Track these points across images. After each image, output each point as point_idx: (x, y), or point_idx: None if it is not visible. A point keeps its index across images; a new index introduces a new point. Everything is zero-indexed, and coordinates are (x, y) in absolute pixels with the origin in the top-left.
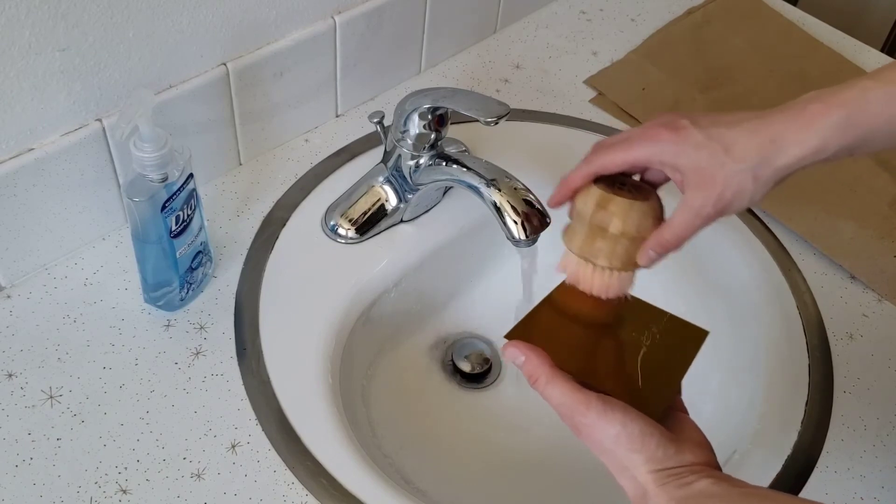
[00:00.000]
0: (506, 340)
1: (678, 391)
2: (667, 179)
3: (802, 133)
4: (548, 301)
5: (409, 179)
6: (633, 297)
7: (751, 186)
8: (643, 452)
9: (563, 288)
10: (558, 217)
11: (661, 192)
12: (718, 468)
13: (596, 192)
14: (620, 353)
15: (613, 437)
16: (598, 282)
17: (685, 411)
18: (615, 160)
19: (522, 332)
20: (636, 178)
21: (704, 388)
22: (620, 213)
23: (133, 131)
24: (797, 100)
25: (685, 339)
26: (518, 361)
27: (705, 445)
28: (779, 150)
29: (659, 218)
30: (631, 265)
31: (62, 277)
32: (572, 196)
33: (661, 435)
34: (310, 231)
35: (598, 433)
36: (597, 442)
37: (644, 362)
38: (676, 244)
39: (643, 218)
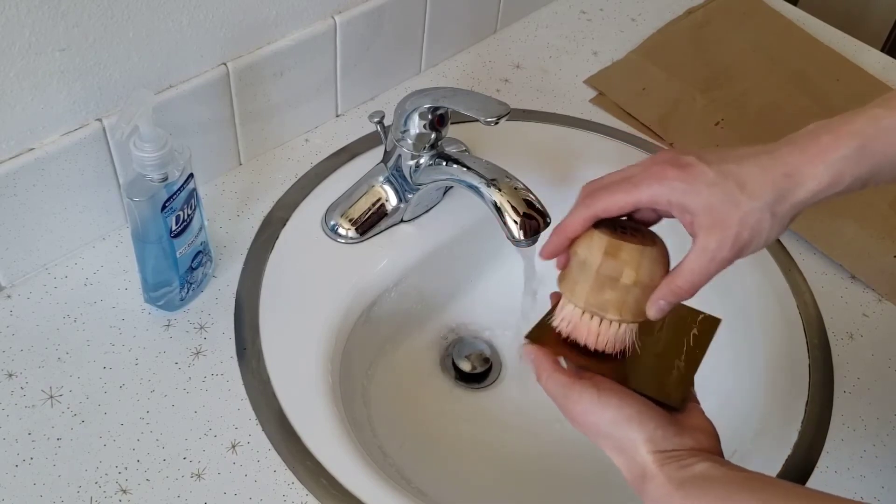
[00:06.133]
0: (525, 340)
1: (692, 382)
2: (658, 219)
3: (816, 166)
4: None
5: (409, 179)
6: None
7: (768, 225)
8: (642, 432)
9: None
10: (558, 217)
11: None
12: (721, 455)
13: (602, 239)
14: (636, 350)
15: (609, 420)
16: (604, 335)
17: (696, 401)
18: (618, 202)
19: (539, 332)
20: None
21: (704, 388)
22: (633, 262)
23: (133, 131)
24: (802, 132)
25: (699, 329)
26: (529, 357)
27: (710, 433)
28: (795, 184)
29: (667, 263)
30: (640, 316)
31: (62, 277)
32: (570, 244)
33: (661, 417)
34: (310, 231)
35: (594, 417)
36: (593, 426)
37: (660, 357)
38: (691, 292)
39: (654, 265)
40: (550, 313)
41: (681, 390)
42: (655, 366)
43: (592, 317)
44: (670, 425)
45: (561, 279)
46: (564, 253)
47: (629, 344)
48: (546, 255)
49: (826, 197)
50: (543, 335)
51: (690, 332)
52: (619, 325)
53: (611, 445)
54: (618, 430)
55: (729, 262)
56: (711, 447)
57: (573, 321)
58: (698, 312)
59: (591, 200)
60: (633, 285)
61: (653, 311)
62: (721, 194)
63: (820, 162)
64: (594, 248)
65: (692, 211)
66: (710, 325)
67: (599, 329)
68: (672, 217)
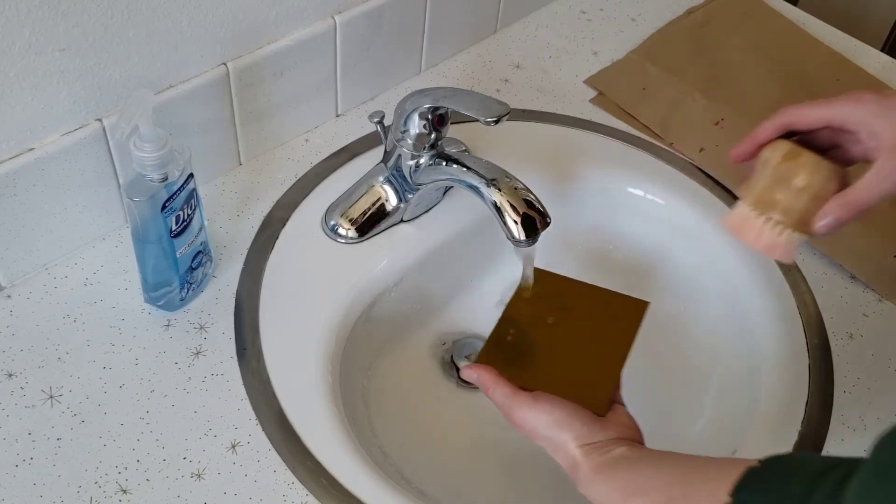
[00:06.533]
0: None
1: (618, 385)
2: (834, 146)
3: None
4: (499, 325)
5: (409, 179)
6: (569, 279)
7: None
8: (570, 431)
9: (511, 305)
10: (558, 217)
11: None
12: (639, 441)
13: (785, 144)
14: (562, 355)
15: (545, 424)
16: (765, 237)
17: (621, 402)
18: (812, 113)
19: (483, 357)
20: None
21: (705, 388)
22: (809, 166)
23: (133, 131)
24: None
25: (626, 317)
26: (472, 378)
27: (633, 427)
28: None
29: (842, 184)
30: (803, 226)
31: (62, 277)
32: (758, 151)
33: (586, 416)
34: (310, 231)
35: (532, 422)
36: (533, 431)
37: (588, 357)
38: (860, 208)
39: (830, 177)
40: (493, 335)
41: (604, 396)
42: (583, 370)
43: (759, 216)
44: (595, 422)
45: (741, 186)
46: (751, 157)
47: (791, 254)
48: (734, 156)
49: None
50: (490, 357)
51: (616, 323)
52: (783, 229)
53: (548, 445)
54: (551, 432)
55: None
56: (633, 437)
57: (740, 220)
58: (625, 297)
59: (787, 109)
60: (805, 190)
61: (820, 223)
62: None
63: None
64: (776, 150)
65: (878, 133)
66: (637, 309)
67: (763, 229)
68: (852, 145)
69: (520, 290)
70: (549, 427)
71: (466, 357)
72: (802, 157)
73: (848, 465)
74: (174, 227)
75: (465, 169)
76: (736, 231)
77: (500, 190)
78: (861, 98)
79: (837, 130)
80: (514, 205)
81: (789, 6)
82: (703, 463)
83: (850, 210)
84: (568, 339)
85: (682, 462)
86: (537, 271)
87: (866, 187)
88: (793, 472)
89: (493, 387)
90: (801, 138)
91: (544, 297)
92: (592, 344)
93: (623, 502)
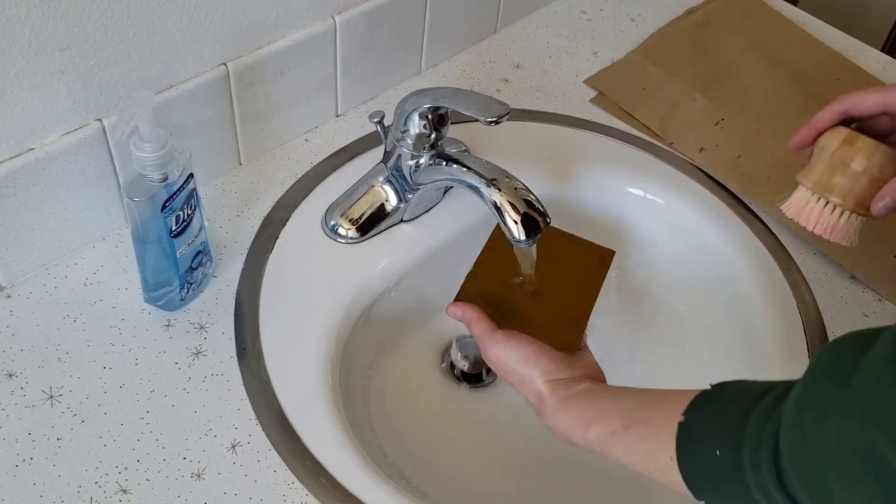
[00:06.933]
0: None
1: (583, 329)
2: (893, 133)
3: None
4: (476, 267)
5: (409, 179)
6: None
7: None
8: (538, 367)
9: (487, 249)
10: (558, 217)
11: None
12: (601, 380)
13: (843, 130)
14: (533, 299)
15: (513, 359)
16: (825, 220)
17: (587, 348)
18: (869, 99)
19: (462, 296)
20: None
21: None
22: (866, 150)
23: (133, 131)
24: None
25: (594, 264)
26: (458, 314)
27: (596, 368)
28: None
29: None
30: (861, 209)
31: (62, 277)
32: (817, 137)
33: (553, 354)
34: (310, 231)
35: (503, 356)
36: (503, 364)
37: (554, 304)
38: None
39: (888, 161)
40: (471, 275)
41: (574, 339)
42: (554, 314)
43: (819, 199)
44: (562, 360)
45: (800, 172)
46: (810, 145)
47: (851, 237)
48: (794, 145)
49: None
50: (468, 296)
51: (584, 271)
52: (842, 212)
53: (516, 379)
54: (520, 366)
55: None
56: (597, 377)
57: (800, 204)
58: (593, 246)
59: (844, 97)
60: (863, 173)
61: (879, 205)
62: None
63: None
64: (834, 136)
65: None
66: (604, 258)
67: (822, 212)
68: None
69: (492, 242)
70: (518, 362)
71: (466, 357)
72: (860, 141)
73: (789, 384)
74: (174, 227)
75: (465, 169)
76: (796, 215)
77: (500, 190)
78: None
79: (895, 116)
80: (515, 205)
81: (789, 6)
82: (661, 393)
83: None
84: (539, 283)
85: (641, 393)
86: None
87: None
88: (740, 391)
89: (475, 322)
90: (860, 125)
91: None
92: (562, 289)
93: (584, 430)
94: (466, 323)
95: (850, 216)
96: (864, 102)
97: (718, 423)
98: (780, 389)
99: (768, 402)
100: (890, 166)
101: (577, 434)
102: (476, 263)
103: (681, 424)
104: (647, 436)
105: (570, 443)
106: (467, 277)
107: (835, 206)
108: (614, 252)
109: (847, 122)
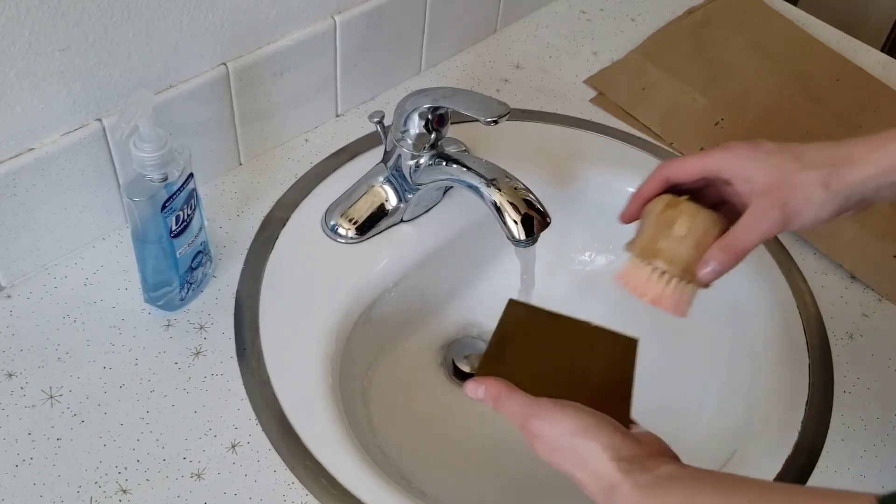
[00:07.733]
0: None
1: (630, 407)
2: (721, 203)
3: (875, 153)
4: (499, 335)
5: (409, 179)
6: (562, 315)
7: (820, 197)
8: (599, 439)
9: (507, 318)
10: (558, 217)
11: None
12: (676, 458)
13: (667, 196)
14: (569, 380)
15: (568, 431)
16: (653, 288)
17: (638, 425)
18: (687, 166)
19: (485, 370)
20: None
21: (705, 389)
22: (689, 212)
23: (133, 131)
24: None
25: (622, 353)
26: (479, 392)
27: (661, 441)
28: (851, 164)
29: (723, 231)
30: (690, 276)
31: (62, 277)
32: (643, 207)
33: (616, 425)
34: (310, 231)
35: (552, 429)
36: (552, 440)
37: (588, 390)
38: (741, 253)
39: (711, 224)
40: (492, 344)
41: (624, 410)
42: (590, 395)
43: (647, 265)
44: (628, 435)
45: (629, 242)
46: (639, 215)
47: (683, 302)
48: (623, 217)
49: (884, 184)
50: (492, 368)
51: (614, 360)
52: (670, 278)
53: (571, 460)
54: (576, 440)
55: (779, 224)
56: (668, 452)
57: (628, 271)
58: (615, 334)
59: (665, 164)
60: (686, 237)
61: (704, 270)
62: (778, 163)
63: (879, 149)
64: (659, 201)
65: (751, 178)
66: (629, 346)
67: (650, 279)
68: (733, 196)
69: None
70: (574, 434)
71: (466, 357)
72: (682, 205)
73: None
74: (174, 227)
75: (465, 169)
76: (625, 283)
77: (500, 190)
78: (732, 147)
79: (717, 182)
80: (515, 205)
81: (789, 6)
82: (786, 492)
83: (731, 254)
84: (565, 372)
85: (755, 490)
86: (525, 307)
87: (744, 229)
88: None
89: (507, 396)
90: (690, 198)
91: (534, 331)
92: (593, 380)
93: None
94: (495, 398)
95: (678, 283)
96: (683, 168)
97: None
98: None
99: None
100: (714, 229)
101: None
102: (491, 343)
103: None
104: None
105: None
106: (484, 357)
107: (662, 273)
108: (637, 339)
109: (676, 192)
